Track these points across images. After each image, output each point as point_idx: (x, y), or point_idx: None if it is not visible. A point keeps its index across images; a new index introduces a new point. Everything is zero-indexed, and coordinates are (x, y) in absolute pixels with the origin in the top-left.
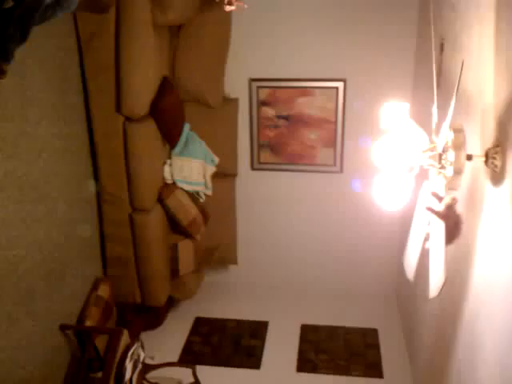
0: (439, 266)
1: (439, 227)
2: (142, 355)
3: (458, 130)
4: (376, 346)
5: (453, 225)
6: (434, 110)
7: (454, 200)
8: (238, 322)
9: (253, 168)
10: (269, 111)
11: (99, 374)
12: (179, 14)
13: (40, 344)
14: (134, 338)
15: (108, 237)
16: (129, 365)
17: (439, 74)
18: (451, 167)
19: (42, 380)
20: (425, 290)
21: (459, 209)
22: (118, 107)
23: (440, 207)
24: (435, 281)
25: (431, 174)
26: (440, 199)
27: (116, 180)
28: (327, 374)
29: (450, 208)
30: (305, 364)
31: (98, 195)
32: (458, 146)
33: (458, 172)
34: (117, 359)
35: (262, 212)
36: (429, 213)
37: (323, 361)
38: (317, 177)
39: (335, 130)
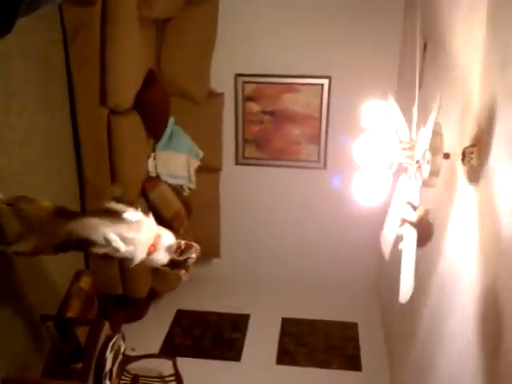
0: (409, 275)
1: (411, 236)
2: (123, 347)
3: (436, 133)
4: (355, 340)
5: (425, 232)
6: (415, 110)
7: (427, 212)
8: (220, 315)
9: (237, 163)
10: (254, 106)
11: (79, 365)
12: (165, 8)
13: (20, 334)
14: (115, 329)
15: None
16: (109, 356)
17: (422, 73)
18: (428, 167)
19: (22, 370)
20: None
21: (436, 203)
22: (103, 100)
23: (413, 217)
24: (405, 288)
25: (410, 170)
26: (414, 208)
27: (100, 173)
28: (307, 366)
29: (423, 219)
30: (285, 357)
31: (82, 188)
32: (436, 149)
33: (434, 174)
34: (97, 350)
35: (245, 206)
36: (402, 222)
37: (303, 354)
38: (300, 172)
39: (319, 127)
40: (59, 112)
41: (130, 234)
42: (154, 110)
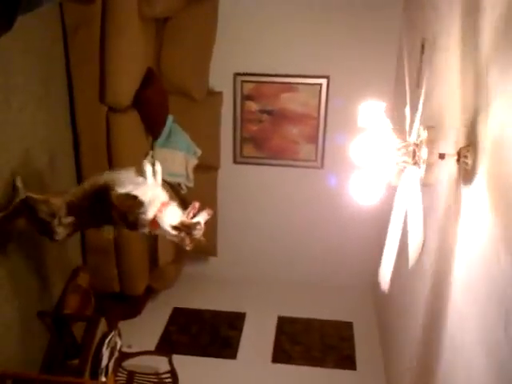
0: (418, 232)
1: (418, 200)
2: (119, 343)
3: (429, 127)
4: (350, 339)
5: None
6: (407, 110)
7: None
8: (216, 313)
9: (235, 161)
10: (253, 105)
11: (76, 361)
12: (166, 7)
13: (17, 330)
14: (112, 326)
15: None
16: (105, 352)
17: (420, 74)
18: (424, 164)
19: (19, 365)
20: (399, 283)
21: (435, 207)
22: (102, 97)
23: None
24: (414, 247)
25: (406, 170)
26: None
27: (98, 169)
28: (302, 365)
29: None
30: (280, 355)
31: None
32: (430, 141)
33: (430, 165)
34: (94, 347)
35: (242, 205)
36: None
37: (298, 352)
38: (298, 171)
39: (317, 126)
40: (59, 108)
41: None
42: (152, 108)
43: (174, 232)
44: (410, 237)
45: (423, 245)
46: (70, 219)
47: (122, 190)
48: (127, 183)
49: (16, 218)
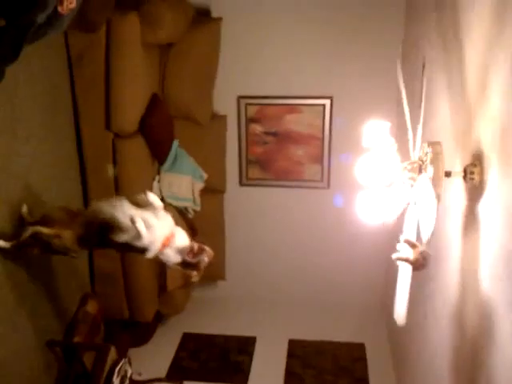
0: (403, 303)
1: (406, 270)
2: (130, 371)
3: (434, 144)
4: (363, 361)
5: (420, 265)
6: (410, 131)
7: (424, 254)
8: (226, 338)
9: (241, 184)
10: (257, 128)
11: None
12: (169, 33)
13: (27, 360)
14: (122, 354)
15: (96, 252)
16: (116, 381)
17: (421, 93)
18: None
19: None
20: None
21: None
22: (108, 124)
23: (410, 255)
24: (399, 312)
25: (413, 188)
26: (413, 246)
27: (105, 196)
28: None
29: (418, 260)
30: (292, 379)
31: None
32: (436, 158)
33: (437, 183)
34: (104, 375)
35: (250, 227)
36: (399, 261)
37: (310, 376)
38: (304, 192)
39: (322, 147)
40: (65, 137)
41: (151, 220)
42: (158, 134)
43: (177, 267)
44: (396, 302)
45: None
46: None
47: (122, 237)
48: (124, 229)
49: (28, 249)
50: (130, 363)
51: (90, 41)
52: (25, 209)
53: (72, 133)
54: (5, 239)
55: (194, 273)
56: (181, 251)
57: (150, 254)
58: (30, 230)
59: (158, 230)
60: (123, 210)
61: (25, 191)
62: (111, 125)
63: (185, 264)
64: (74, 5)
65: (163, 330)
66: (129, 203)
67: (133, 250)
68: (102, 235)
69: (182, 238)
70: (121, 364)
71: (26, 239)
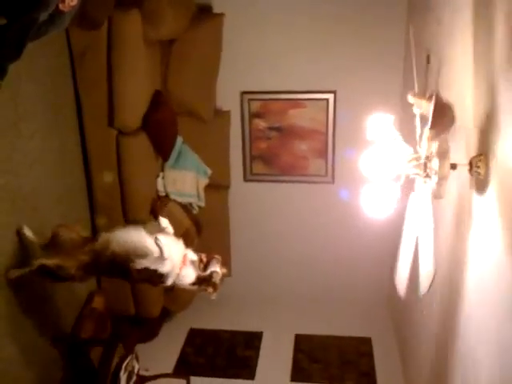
0: (429, 260)
1: (428, 222)
2: (137, 367)
3: (441, 139)
4: (369, 355)
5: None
6: (417, 121)
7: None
8: (233, 333)
9: (245, 179)
10: (261, 123)
11: None
12: (171, 29)
13: (33, 357)
14: (129, 349)
15: None
16: (123, 377)
17: (426, 85)
18: (436, 176)
19: None
20: (416, 297)
21: (448, 217)
22: (111, 121)
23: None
24: (425, 275)
25: (417, 183)
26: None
27: (109, 193)
28: (321, 383)
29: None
30: (299, 373)
31: (92, 208)
32: (442, 153)
33: (442, 179)
34: (111, 371)
35: (255, 223)
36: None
37: (317, 370)
38: (309, 187)
39: (326, 141)
40: (68, 134)
41: (170, 244)
42: (161, 130)
43: (194, 287)
44: (420, 265)
45: (434, 274)
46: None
47: (143, 263)
48: (144, 254)
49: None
50: (137, 359)
51: (91, 38)
52: (27, 231)
53: (75, 130)
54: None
55: (211, 289)
56: (193, 264)
57: (169, 281)
58: (36, 263)
59: (175, 254)
60: (139, 236)
61: (29, 188)
62: (114, 121)
63: (199, 281)
64: (75, 2)
65: (170, 325)
66: (143, 230)
67: (151, 279)
68: (114, 266)
69: (191, 254)
70: (128, 360)
71: (34, 273)
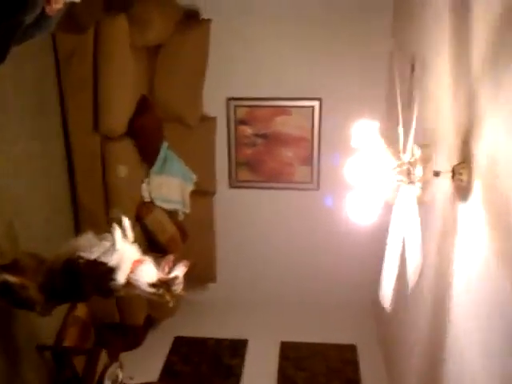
0: (416, 254)
1: (415, 221)
2: (121, 375)
3: (423, 145)
4: (355, 362)
5: None
6: (400, 129)
7: None
8: (218, 341)
9: (231, 186)
10: (246, 130)
11: None
12: (157, 35)
13: (17, 365)
14: (113, 358)
15: None
16: None
17: (410, 94)
18: (419, 183)
19: None
20: (400, 301)
21: (433, 225)
22: (96, 126)
23: None
24: (413, 271)
25: (401, 189)
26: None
27: (94, 198)
28: None
29: None
30: (285, 382)
31: (76, 214)
32: (425, 160)
33: (426, 183)
34: (95, 380)
35: (240, 229)
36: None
37: (303, 378)
38: (294, 194)
39: (312, 148)
40: (53, 138)
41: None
42: (146, 136)
43: (151, 290)
44: (408, 260)
45: (421, 267)
46: (50, 305)
47: (88, 256)
48: (93, 249)
49: None
50: (121, 367)
51: (78, 42)
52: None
53: (60, 134)
54: None
55: (168, 296)
56: (156, 265)
57: (120, 275)
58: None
59: (126, 251)
60: (86, 238)
61: (12, 193)
62: (100, 126)
63: (160, 283)
64: (60, 5)
65: (154, 333)
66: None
67: (101, 279)
68: (67, 276)
69: (150, 268)
70: (112, 368)
71: None
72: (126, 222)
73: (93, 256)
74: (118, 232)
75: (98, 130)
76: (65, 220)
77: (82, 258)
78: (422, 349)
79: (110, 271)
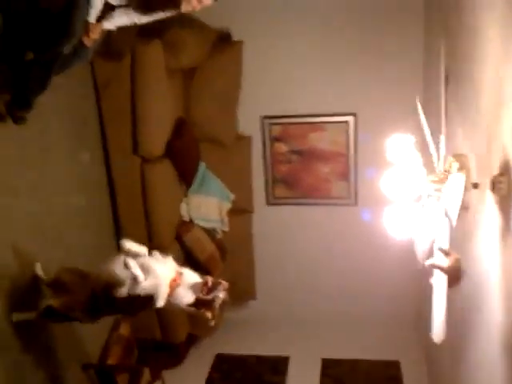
0: (440, 319)
1: (442, 281)
2: None
3: (461, 156)
4: (398, 379)
5: (455, 277)
6: (442, 140)
7: (457, 261)
8: (259, 358)
9: (268, 203)
10: (282, 147)
11: None
12: (191, 58)
13: (62, 382)
14: (155, 375)
15: None
16: None
17: (446, 106)
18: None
19: None
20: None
21: (467, 233)
22: (135, 149)
23: (445, 263)
24: (437, 330)
25: (440, 201)
26: (446, 254)
27: (135, 220)
28: None
29: (454, 266)
30: None
31: (118, 236)
32: (462, 170)
33: (464, 205)
34: None
35: (279, 246)
36: (434, 268)
37: None
38: (332, 210)
39: (348, 163)
40: (93, 162)
41: (150, 262)
42: (184, 156)
43: (191, 309)
44: (433, 320)
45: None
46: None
47: (123, 291)
48: (123, 280)
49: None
50: None
51: (115, 69)
52: (39, 268)
53: (101, 158)
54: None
55: (209, 314)
56: (194, 287)
57: (159, 302)
58: (43, 305)
59: (160, 272)
60: (119, 262)
61: (57, 216)
62: (138, 149)
63: (199, 303)
64: (97, 35)
65: (196, 351)
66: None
67: (141, 305)
68: (108, 299)
69: (192, 275)
70: None
71: (43, 312)
72: (134, 246)
73: (124, 290)
74: (133, 264)
75: (137, 152)
76: (107, 244)
77: (116, 289)
78: (466, 367)
79: (148, 300)
